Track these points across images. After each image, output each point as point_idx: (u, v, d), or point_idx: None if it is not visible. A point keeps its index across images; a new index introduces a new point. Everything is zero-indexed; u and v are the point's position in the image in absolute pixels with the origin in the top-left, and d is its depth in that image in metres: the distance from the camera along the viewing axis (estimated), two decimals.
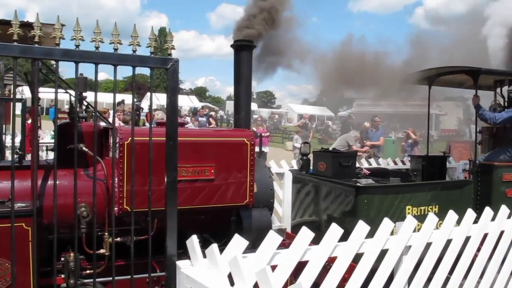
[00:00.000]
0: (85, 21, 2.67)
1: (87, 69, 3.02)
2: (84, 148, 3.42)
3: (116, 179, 3.48)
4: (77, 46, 2.49)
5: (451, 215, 3.32)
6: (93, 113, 3.28)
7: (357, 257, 2.87)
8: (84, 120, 3.81)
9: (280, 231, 7.19)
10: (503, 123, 6.59)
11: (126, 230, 3.25)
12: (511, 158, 6.44)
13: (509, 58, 8.06)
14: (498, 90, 7.68)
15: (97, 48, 2.54)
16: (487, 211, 3.54)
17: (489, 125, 7.05)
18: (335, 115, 48.05)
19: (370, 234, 2.92)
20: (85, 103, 3.86)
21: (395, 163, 8.92)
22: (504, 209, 3.63)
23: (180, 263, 2.49)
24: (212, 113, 23.09)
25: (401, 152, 15.11)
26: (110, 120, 4.21)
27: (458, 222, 3.40)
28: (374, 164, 8.40)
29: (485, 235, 3.53)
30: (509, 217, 3.68)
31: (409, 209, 5.22)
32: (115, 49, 2.59)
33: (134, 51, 2.64)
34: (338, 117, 43.88)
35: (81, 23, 2.50)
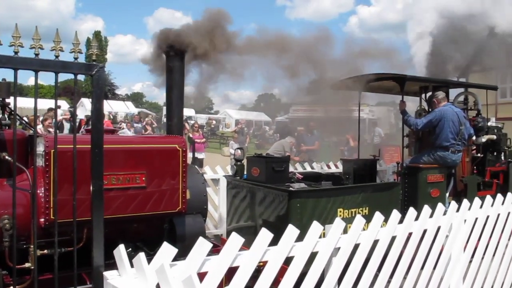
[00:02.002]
0: (13, 23, 2.53)
1: (11, 75, 2.87)
2: (7, 157, 3.26)
3: (42, 188, 3.35)
4: None
5: (378, 216, 3.44)
6: (20, 120, 3.14)
7: (288, 261, 2.92)
8: (7, 127, 3.64)
9: (216, 237, 7.20)
10: (423, 128, 6.93)
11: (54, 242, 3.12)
12: (435, 160, 6.76)
13: (433, 66, 8.52)
14: (424, 96, 8.10)
15: (16, 53, 2.44)
16: (411, 211, 3.70)
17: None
18: (272, 120, 48.60)
19: (302, 238, 2.97)
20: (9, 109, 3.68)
21: (329, 167, 9.16)
22: (426, 209, 3.81)
23: (107, 274, 2.43)
24: (148, 119, 22.69)
25: (340, 157, 15.50)
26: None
27: (387, 222, 3.53)
28: (308, 168, 8.58)
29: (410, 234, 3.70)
30: (431, 216, 3.87)
31: (340, 211, 5.35)
32: (36, 54, 2.49)
33: (56, 57, 2.56)
34: (275, 122, 44.43)
35: (9, 25, 2.39)
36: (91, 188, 2.67)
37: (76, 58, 2.61)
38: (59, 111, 19.49)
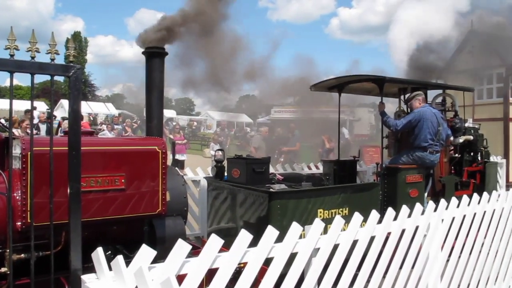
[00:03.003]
0: None
1: None
2: None
3: (19, 191, 3.30)
4: None
5: (357, 217, 3.47)
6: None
7: (268, 262, 2.93)
8: None
9: (197, 239, 7.18)
10: (403, 129, 7.01)
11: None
12: (414, 161, 6.84)
13: (411, 68, 8.64)
14: (402, 97, 8.20)
15: None
16: (390, 212, 3.74)
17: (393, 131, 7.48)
18: (253, 122, 48.61)
19: (282, 239, 2.98)
20: None
21: (309, 168, 9.21)
22: (404, 209, 3.86)
23: (85, 277, 2.40)
24: (128, 121, 22.50)
25: (319, 158, 15.61)
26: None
27: (366, 222, 3.56)
28: (288, 170, 8.62)
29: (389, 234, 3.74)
30: (409, 216, 3.92)
31: (321, 212, 5.38)
32: (11, 55, 2.45)
33: (32, 58, 2.52)
34: (256, 123, 44.46)
35: None
36: (68, 190, 2.64)
37: (52, 59, 2.58)
38: (36, 113, 19.23)
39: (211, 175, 6.54)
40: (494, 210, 4.84)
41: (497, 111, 18.19)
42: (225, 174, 6.12)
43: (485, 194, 4.75)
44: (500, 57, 18.28)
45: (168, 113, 44.57)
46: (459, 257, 4.45)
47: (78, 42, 64.75)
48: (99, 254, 2.37)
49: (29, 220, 3.26)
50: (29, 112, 15.36)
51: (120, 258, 2.22)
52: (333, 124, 9.12)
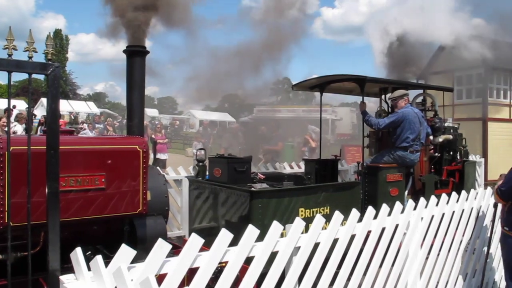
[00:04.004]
0: None
1: None
2: None
3: None
4: None
5: (337, 216, 3.49)
6: None
7: (249, 260, 2.93)
8: None
9: (179, 239, 7.15)
10: (385, 128, 7.08)
11: (11, 246, 3.04)
12: (395, 160, 6.91)
13: (392, 68, 8.73)
14: (383, 97, 8.28)
15: None
16: (370, 210, 3.78)
17: (374, 130, 7.54)
18: (236, 121, 48.58)
19: (263, 238, 2.99)
20: None
21: (291, 167, 9.24)
22: (384, 208, 3.90)
23: (64, 278, 2.37)
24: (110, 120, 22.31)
25: (302, 157, 15.66)
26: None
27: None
28: (270, 169, 8.63)
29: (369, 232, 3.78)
30: (389, 214, 3.96)
31: (302, 211, 5.40)
32: None
33: (9, 55, 2.49)
34: (239, 122, 44.45)
35: None
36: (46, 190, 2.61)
37: (30, 57, 2.54)
38: (15, 111, 18.91)
39: (192, 174, 6.52)
40: (472, 208, 4.92)
41: (476, 111, 18.48)
42: (207, 173, 6.10)
43: (463, 192, 4.82)
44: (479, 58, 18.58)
45: (150, 112, 44.31)
46: (438, 254, 4.52)
47: (59, 40, 63.86)
48: (77, 254, 2.34)
49: (6, 221, 3.21)
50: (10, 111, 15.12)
51: (99, 258, 2.20)
52: (318, 123, 9.13)
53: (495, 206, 4.89)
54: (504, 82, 19.47)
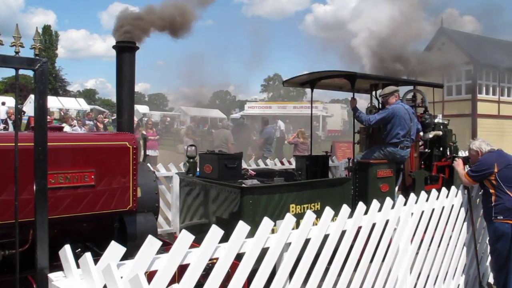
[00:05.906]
0: None
1: None
2: None
3: None
4: None
5: (328, 211, 3.50)
6: None
7: (240, 257, 2.92)
8: None
9: (169, 235, 7.12)
10: (376, 124, 7.08)
11: None
12: (385, 156, 6.92)
13: (381, 64, 8.74)
14: (374, 93, 8.29)
15: None
16: (360, 206, 3.79)
17: (365, 126, 7.55)
18: (227, 117, 48.53)
19: (254, 234, 2.98)
20: None
21: (282, 163, 9.24)
22: (375, 204, 3.91)
23: (52, 276, 2.35)
24: (100, 116, 22.14)
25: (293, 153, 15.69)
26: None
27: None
28: (261, 165, 8.63)
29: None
30: (379, 210, 3.97)
31: (293, 207, 5.41)
32: None
33: None
34: (230, 119, 44.42)
35: None
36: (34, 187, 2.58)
37: (17, 52, 2.51)
38: (4, 108, 18.75)
39: (183, 170, 6.49)
40: (461, 203, 4.96)
41: (465, 107, 18.63)
42: (198, 169, 6.08)
43: (453, 188, 4.85)
44: (468, 55, 18.72)
45: (141, 108, 44.07)
46: (428, 249, 4.54)
47: (48, 36, 63.27)
48: (66, 252, 2.32)
49: None
50: None
51: (88, 256, 2.18)
52: (308, 119, 9.14)
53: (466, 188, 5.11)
54: (493, 79, 19.65)
